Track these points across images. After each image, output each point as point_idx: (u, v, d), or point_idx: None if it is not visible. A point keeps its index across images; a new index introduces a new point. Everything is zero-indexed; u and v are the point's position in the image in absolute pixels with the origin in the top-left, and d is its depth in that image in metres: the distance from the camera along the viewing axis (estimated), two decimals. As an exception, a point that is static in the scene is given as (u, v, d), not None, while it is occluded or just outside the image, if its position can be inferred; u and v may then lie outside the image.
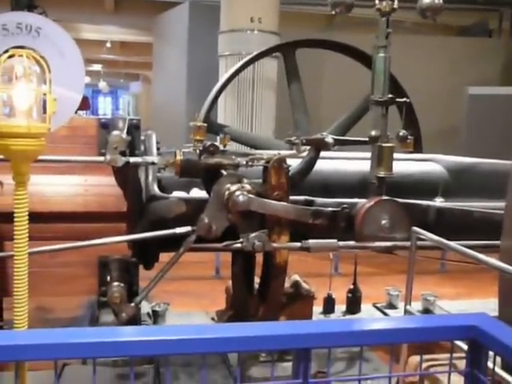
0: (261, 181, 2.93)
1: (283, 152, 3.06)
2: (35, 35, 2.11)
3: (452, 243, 2.69)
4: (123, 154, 2.85)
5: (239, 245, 2.71)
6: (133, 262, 3.00)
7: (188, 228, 2.72)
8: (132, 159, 2.86)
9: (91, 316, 3.28)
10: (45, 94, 2.07)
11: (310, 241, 2.82)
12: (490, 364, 1.61)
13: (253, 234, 2.67)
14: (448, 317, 2.08)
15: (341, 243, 2.90)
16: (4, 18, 2.09)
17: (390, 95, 3.09)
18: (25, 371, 1.71)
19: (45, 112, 2.08)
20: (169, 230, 2.74)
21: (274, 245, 2.76)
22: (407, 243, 2.96)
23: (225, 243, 2.70)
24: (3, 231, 2.82)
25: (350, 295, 4.47)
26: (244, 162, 2.87)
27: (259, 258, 3.06)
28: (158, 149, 3.20)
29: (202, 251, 2.89)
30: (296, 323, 1.68)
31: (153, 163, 2.87)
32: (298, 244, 2.82)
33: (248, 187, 2.78)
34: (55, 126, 2.19)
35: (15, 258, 2.06)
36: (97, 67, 23.90)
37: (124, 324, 2.80)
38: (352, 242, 2.95)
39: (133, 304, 2.79)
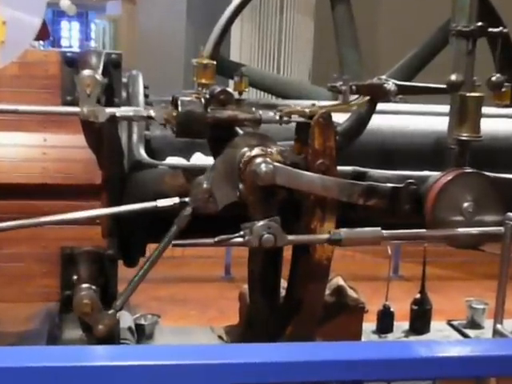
0: (291, 143, 2.96)
1: (328, 103, 3.07)
2: None
3: None
4: (97, 102, 2.85)
5: (239, 240, 2.70)
6: (109, 255, 3.05)
7: (175, 200, 2.77)
8: (119, 112, 2.83)
9: (50, 330, 3.35)
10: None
11: (344, 230, 2.80)
12: None
13: (259, 223, 2.66)
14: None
15: (385, 232, 2.86)
16: None
17: (480, 23, 3.07)
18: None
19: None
20: (147, 203, 2.79)
21: (291, 237, 2.75)
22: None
23: (218, 238, 2.66)
24: None
25: (415, 308, 4.46)
26: (277, 117, 2.89)
27: (287, 252, 3.07)
28: (146, 96, 3.20)
29: (187, 246, 2.85)
30: (343, 346, 1.73)
31: (149, 117, 2.84)
32: (326, 236, 2.81)
33: (273, 152, 2.80)
34: (4, 61, 2.22)
35: None
36: (59, -21, 23.79)
37: (100, 340, 2.89)
38: (416, 231, 2.96)
39: (112, 311, 2.84)
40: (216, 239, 2.66)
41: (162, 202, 2.79)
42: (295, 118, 2.92)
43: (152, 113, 2.80)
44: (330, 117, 2.82)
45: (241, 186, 2.76)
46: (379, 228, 2.81)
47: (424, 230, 2.94)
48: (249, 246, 2.71)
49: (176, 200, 2.77)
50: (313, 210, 2.86)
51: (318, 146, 2.81)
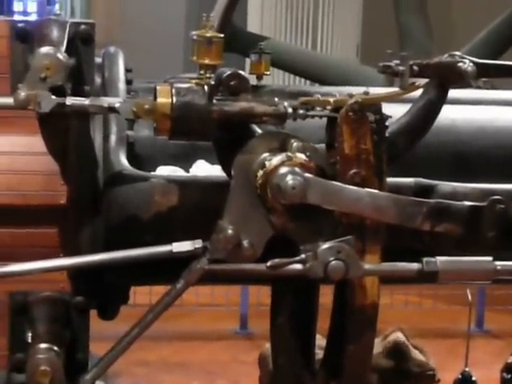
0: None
1: (373, 89, 2.69)
2: None
3: None
4: (59, 90, 2.47)
5: (298, 266, 2.35)
6: (77, 303, 2.69)
7: (197, 243, 2.40)
8: (70, 100, 2.47)
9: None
10: None
11: (442, 259, 2.42)
12: None
13: (325, 245, 2.35)
14: None
15: (499, 264, 2.44)
16: None
17: None
18: None
19: None
20: (156, 248, 2.45)
21: (368, 266, 2.41)
22: None
23: (271, 263, 2.33)
24: None
25: (507, 376, 3.96)
26: (290, 110, 2.51)
27: (324, 297, 2.69)
28: (129, 82, 2.91)
29: (219, 283, 2.71)
30: None
31: (111, 109, 2.47)
32: (416, 265, 2.42)
33: (302, 159, 2.44)
34: None
35: None
36: None
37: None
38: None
39: None
40: (269, 263, 2.34)
41: (179, 247, 2.44)
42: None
43: (115, 103, 2.46)
44: (364, 107, 2.47)
45: (272, 217, 2.42)
46: (490, 258, 2.46)
47: None
48: (311, 276, 2.37)
49: (198, 244, 2.42)
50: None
51: (349, 150, 2.47)
